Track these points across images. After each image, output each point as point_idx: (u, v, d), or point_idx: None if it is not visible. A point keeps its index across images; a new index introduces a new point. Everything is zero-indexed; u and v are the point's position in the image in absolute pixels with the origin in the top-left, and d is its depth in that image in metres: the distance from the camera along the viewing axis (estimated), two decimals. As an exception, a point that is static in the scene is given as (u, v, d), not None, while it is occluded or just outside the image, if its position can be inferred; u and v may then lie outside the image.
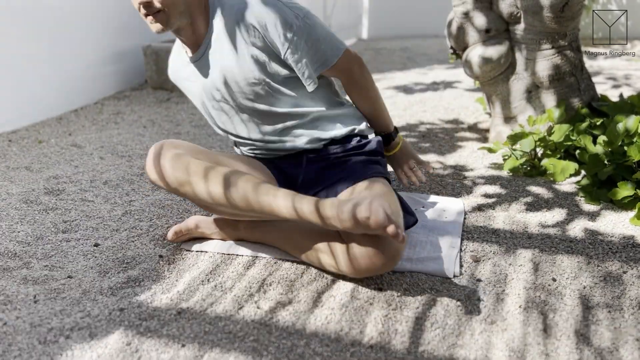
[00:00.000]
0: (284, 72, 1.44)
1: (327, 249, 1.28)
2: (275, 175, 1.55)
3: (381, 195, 1.31)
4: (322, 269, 1.36)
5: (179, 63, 1.56)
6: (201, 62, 1.48)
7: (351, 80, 1.55)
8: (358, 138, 1.57)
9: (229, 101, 1.49)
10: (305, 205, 1.21)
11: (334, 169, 1.52)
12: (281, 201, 1.23)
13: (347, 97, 1.70)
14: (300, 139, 1.52)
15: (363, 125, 1.58)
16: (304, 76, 1.44)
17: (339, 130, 1.54)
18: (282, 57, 1.40)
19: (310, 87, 1.46)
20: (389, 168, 1.91)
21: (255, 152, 1.59)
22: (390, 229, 1.10)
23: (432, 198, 1.82)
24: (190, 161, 1.32)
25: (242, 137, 1.56)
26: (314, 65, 1.44)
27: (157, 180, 1.35)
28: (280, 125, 1.51)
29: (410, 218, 1.48)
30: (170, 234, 1.53)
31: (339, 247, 1.26)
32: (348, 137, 1.56)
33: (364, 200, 1.16)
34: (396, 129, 1.72)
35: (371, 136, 1.62)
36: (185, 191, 1.33)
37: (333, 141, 1.55)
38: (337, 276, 1.35)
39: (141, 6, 1.34)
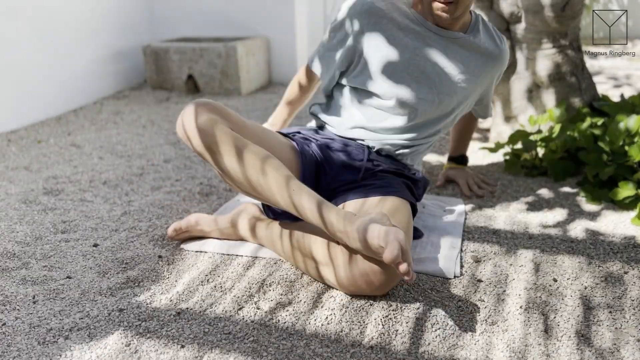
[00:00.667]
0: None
1: (328, 261, 1.25)
2: (303, 160, 1.43)
3: (393, 215, 1.28)
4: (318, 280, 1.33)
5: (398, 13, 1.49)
6: (445, 39, 1.48)
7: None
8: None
9: (431, 86, 1.47)
10: (306, 204, 1.19)
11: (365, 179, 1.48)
12: (306, 203, 1.20)
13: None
14: (402, 151, 1.55)
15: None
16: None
17: (417, 165, 1.63)
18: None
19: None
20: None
21: (345, 128, 1.55)
22: (403, 267, 1.06)
23: (433, 198, 1.81)
24: (223, 132, 1.24)
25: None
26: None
27: (185, 140, 1.29)
28: (414, 131, 1.53)
29: (416, 234, 1.51)
30: (170, 230, 1.53)
31: (340, 258, 1.22)
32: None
33: (377, 223, 1.12)
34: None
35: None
36: (210, 158, 1.26)
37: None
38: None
39: None
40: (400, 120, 1.49)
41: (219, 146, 1.23)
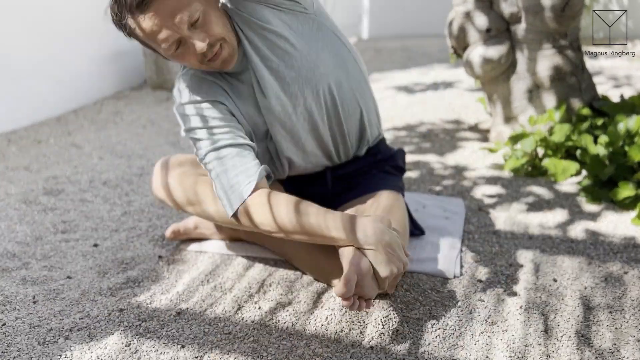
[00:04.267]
0: None
1: (324, 267, 1.27)
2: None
3: (390, 212, 1.28)
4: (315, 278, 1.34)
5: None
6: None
7: None
8: (383, 144, 1.48)
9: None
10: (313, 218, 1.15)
11: (357, 179, 1.44)
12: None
13: None
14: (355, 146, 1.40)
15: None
16: None
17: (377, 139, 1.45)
18: None
19: None
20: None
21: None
22: (345, 303, 1.03)
23: (433, 198, 1.81)
24: (198, 181, 1.28)
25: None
26: None
27: (164, 199, 1.34)
28: None
29: (416, 232, 1.52)
30: (168, 232, 1.53)
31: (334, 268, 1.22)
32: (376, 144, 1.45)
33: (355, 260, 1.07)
34: None
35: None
36: (194, 211, 1.29)
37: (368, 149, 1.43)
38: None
39: (203, 54, 1.12)
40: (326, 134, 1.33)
41: (198, 197, 1.26)
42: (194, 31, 1.09)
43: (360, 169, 1.44)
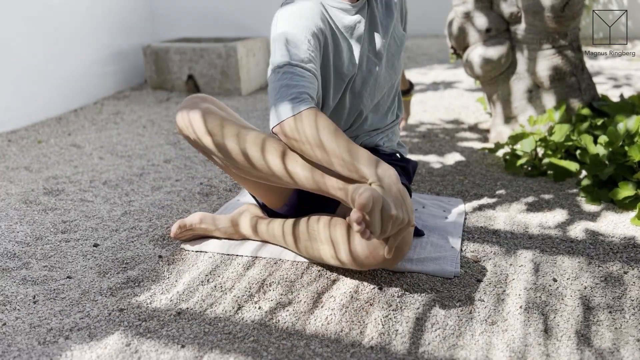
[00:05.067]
0: None
1: (328, 238, 1.27)
2: None
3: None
4: (322, 264, 1.35)
5: None
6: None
7: None
8: (404, 150, 1.65)
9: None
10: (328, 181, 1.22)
11: None
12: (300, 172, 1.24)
13: None
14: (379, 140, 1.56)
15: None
16: None
17: (397, 146, 1.62)
18: None
19: None
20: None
21: None
22: (356, 225, 1.05)
23: (433, 198, 1.82)
24: (225, 118, 1.34)
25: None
26: None
27: (186, 127, 1.36)
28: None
29: (418, 233, 1.53)
30: (174, 228, 1.53)
31: (340, 236, 1.25)
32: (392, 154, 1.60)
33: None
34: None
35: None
36: (211, 141, 1.31)
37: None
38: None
39: None
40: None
41: (222, 128, 1.30)
42: None
43: None
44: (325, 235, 1.28)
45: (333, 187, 1.20)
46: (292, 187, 1.30)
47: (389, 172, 1.14)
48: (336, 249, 1.26)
